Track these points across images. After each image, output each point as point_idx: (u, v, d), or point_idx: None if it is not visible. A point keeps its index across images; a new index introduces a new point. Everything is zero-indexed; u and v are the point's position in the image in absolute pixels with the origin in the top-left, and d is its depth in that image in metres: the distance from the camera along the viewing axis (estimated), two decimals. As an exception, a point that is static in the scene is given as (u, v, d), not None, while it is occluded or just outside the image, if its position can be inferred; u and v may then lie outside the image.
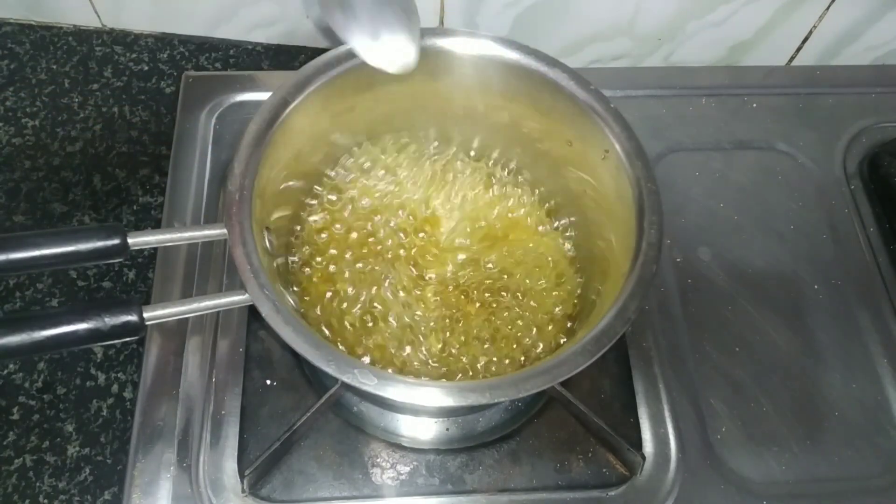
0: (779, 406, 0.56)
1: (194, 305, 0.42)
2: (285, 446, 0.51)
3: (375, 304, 0.54)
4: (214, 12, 0.71)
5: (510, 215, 0.59)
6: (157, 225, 0.62)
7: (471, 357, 0.53)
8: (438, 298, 0.55)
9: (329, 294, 0.54)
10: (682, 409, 0.56)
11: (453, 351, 0.53)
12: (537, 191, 0.59)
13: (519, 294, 0.55)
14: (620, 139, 0.49)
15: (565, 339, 0.54)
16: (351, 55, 0.50)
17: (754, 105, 0.70)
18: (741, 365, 0.58)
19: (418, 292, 0.55)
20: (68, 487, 0.52)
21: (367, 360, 0.52)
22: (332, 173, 0.58)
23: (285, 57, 0.73)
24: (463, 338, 0.54)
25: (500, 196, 0.59)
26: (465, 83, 0.54)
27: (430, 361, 0.53)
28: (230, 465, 0.51)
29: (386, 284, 0.55)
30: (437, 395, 0.40)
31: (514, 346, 0.54)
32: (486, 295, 0.55)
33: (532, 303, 0.55)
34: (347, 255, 0.56)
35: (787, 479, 0.54)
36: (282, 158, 0.50)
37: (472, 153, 0.61)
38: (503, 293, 0.55)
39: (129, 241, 0.42)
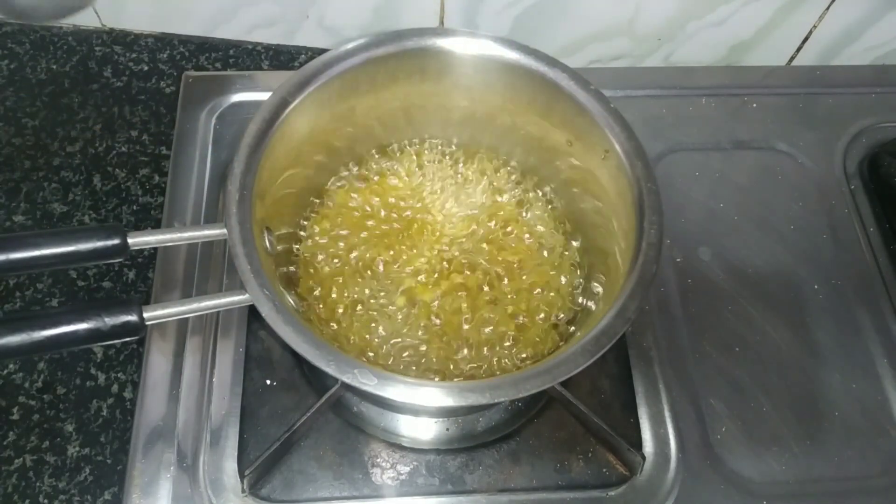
0: (779, 406, 0.56)
1: (194, 305, 0.42)
2: (285, 446, 0.51)
3: (375, 304, 0.54)
4: (214, 12, 0.71)
5: (510, 215, 0.59)
6: (157, 225, 0.62)
7: (470, 357, 0.53)
8: (438, 299, 0.55)
9: (331, 294, 0.54)
10: (682, 409, 0.56)
11: (454, 351, 0.53)
12: (537, 191, 0.59)
13: (519, 294, 0.55)
14: (620, 139, 0.49)
15: (563, 342, 0.54)
16: (351, 55, 0.50)
17: (754, 105, 0.70)
18: (741, 365, 0.58)
19: (419, 293, 0.55)
20: (68, 487, 0.52)
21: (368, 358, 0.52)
22: (333, 174, 0.58)
23: (285, 57, 0.73)
24: (462, 337, 0.54)
25: (500, 196, 0.59)
26: (465, 83, 0.54)
27: (430, 362, 0.53)
28: (230, 465, 0.51)
29: (386, 283, 0.55)
30: (437, 395, 0.40)
31: (514, 346, 0.54)
32: (486, 295, 0.55)
33: (532, 303, 0.55)
34: (347, 257, 0.56)
35: (787, 479, 0.54)
36: (282, 158, 0.50)
37: (472, 153, 0.61)
38: (503, 293, 0.55)
39: (129, 241, 0.42)
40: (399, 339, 0.53)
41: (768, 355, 0.58)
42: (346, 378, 0.40)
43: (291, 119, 0.49)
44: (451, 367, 0.53)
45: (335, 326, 0.53)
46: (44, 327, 0.38)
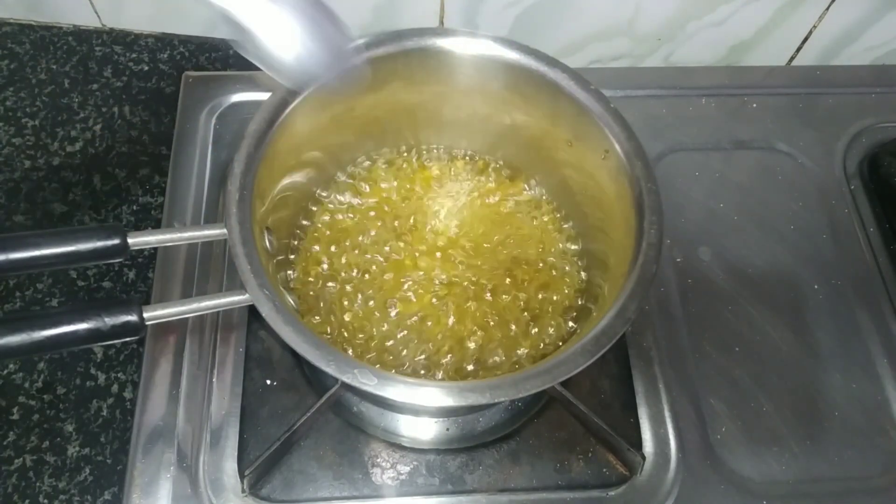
0: (779, 406, 0.56)
1: (194, 305, 0.42)
2: (285, 446, 0.51)
3: (375, 304, 0.54)
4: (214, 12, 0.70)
5: (510, 215, 0.59)
6: (157, 225, 0.62)
7: (470, 357, 0.53)
8: (438, 299, 0.55)
9: (330, 294, 0.54)
10: (682, 409, 0.56)
11: (452, 353, 0.53)
12: (537, 191, 0.59)
13: (519, 295, 0.55)
14: (620, 139, 0.49)
15: (562, 342, 0.54)
16: (351, 55, 0.50)
17: (754, 105, 0.70)
18: (741, 365, 0.58)
19: (419, 293, 0.55)
20: (68, 487, 0.52)
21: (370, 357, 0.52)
22: (333, 174, 0.58)
23: (285, 57, 0.73)
24: (462, 337, 0.54)
25: (500, 196, 0.59)
26: (465, 83, 0.54)
27: (429, 363, 0.53)
28: (230, 465, 0.51)
29: (386, 281, 0.55)
30: (437, 395, 0.40)
31: (514, 346, 0.54)
32: (487, 295, 0.55)
33: (532, 304, 0.55)
34: (346, 258, 0.56)
35: (787, 479, 0.54)
36: (282, 158, 0.50)
37: (472, 153, 0.61)
38: (503, 294, 0.55)
39: (129, 241, 0.42)
40: (393, 342, 0.53)
41: (768, 355, 0.58)
42: (346, 378, 0.40)
43: (291, 119, 0.49)
44: (451, 370, 0.53)
45: (333, 327, 0.53)
46: (44, 327, 0.38)
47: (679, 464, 0.53)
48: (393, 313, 0.54)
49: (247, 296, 0.42)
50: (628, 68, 0.75)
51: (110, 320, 0.39)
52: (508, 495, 0.52)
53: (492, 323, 0.54)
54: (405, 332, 0.53)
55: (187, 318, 0.56)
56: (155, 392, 0.54)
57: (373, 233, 0.57)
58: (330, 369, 0.40)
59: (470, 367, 0.53)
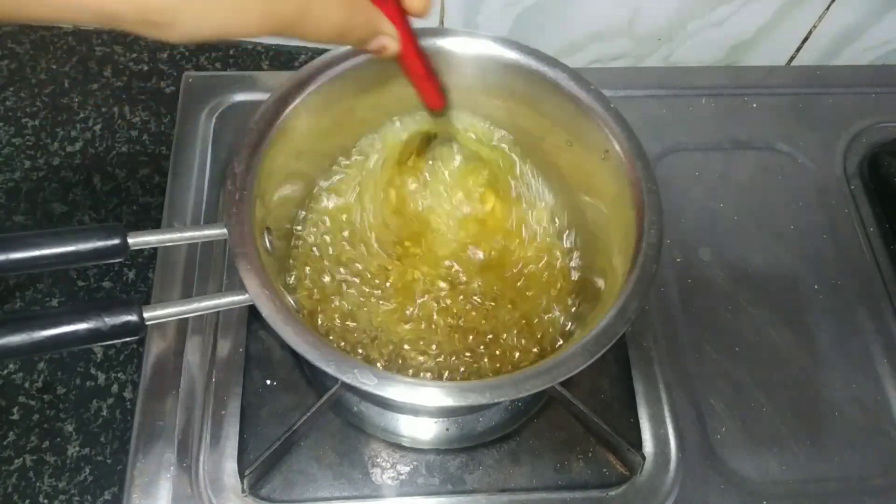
0: (779, 406, 0.56)
1: (194, 305, 0.42)
2: (285, 446, 0.51)
3: (375, 304, 0.54)
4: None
5: (509, 216, 0.59)
6: (157, 225, 0.62)
7: (470, 357, 0.53)
8: (437, 300, 0.55)
9: (330, 294, 0.54)
10: (682, 409, 0.56)
11: (453, 352, 0.53)
12: (536, 191, 0.59)
13: (519, 294, 0.55)
14: (620, 139, 0.49)
15: (562, 342, 0.54)
16: (351, 55, 0.50)
17: (754, 105, 0.70)
18: (741, 365, 0.58)
19: (419, 293, 0.55)
20: (68, 487, 0.52)
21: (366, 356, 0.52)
22: (333, 174, 0.58)
23: (285, 57, 0.73)
24: (462, 338, 0.54)
25: (500, 196, 0.59)
26: (465, 83, 0.54)
27: (429, 362, 0.53)
28: (230, 465, 0.51)
29: (387, 285, 0.55)
30: (437, 395, 0.40)
31: (513, 348, 0.54)
32: (487, 295, 0.55)
33: (531, 304, 0.55)
34: (346, 257, 0.56)
35: (787, 479, 0.54)
36: (282, 158, 0.50)
37: (472, 153, 0.61)
38: (502, 294, 0.55)
39: (129, 241, 0.42)
40: (393, 341, 0.53)
41: (768, 355, 0.58)
42: (346, 378, 0.40)
43: (291, 119, 0.49)
44: (451, 370, 0.53)
45: (330, 325, 0.53)
46: (44, 327, 0.38)
47: (679, 464, 0.53)
48: (393, 313, 0.54)
49: (247, 296, 0.42)
50: (628, 68, 0.75)
51: (110, 320, 0.39)
52: (508, 495, 0.52)
53: (491, 322, 0.54)
54: (405, 332, 0.53)
55: (187, 318, 0.56)
56: (155, 392, 0.54)
57: (373, 233, 0.57)
58: (330, 369, 0.40)
59: (468, 368, 0.53)
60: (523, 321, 0.54)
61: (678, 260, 0.62)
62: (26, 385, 0.56)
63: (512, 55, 0.51)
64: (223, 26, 0.31)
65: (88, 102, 0.69)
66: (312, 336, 0.41)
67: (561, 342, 0.54)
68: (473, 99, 0.55)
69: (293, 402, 0.54)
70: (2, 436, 0.54)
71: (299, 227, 0.57)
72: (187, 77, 0.69)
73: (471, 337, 0.54)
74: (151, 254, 0.61)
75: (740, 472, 0.54)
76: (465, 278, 0.56)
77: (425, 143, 0.58)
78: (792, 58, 0.75)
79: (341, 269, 0.55)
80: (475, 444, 0.54)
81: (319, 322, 0.54)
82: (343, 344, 0.53)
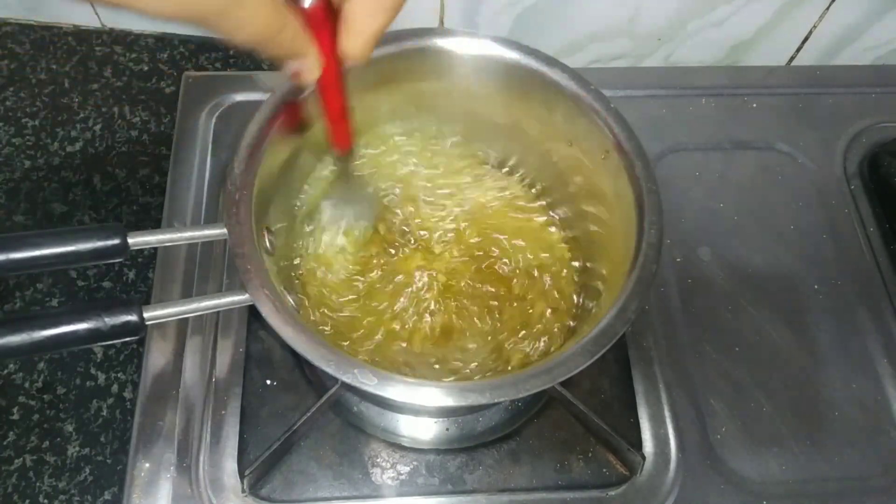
0: (779, 406, 0.56)
1: (194, 305, 0.42)
2: (285, 446, 0.51)
3: (375, 304, 0.54)
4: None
5: (510, 215, 0.59)
6: (157, 225, 0.62)
7: (470, 358, 0.53)
8: (438, 300, 0.55)
9: (330, 294, 0.54)
10: (682, 409, 0.56)
11: (452, 353, 0.53)
12: (536, 190, 0.59)
13: (518, 295, 0.55)
14: (620, 139, 0.49)
15: (562, 343, 0.54)
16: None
17: (754, 105, 0.70)
18: (741, 365, 0.58)
19: (419, 294, 0.55)
20: (68, 487, 0.52)
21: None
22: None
23: (285, 57, 0.73)
24: (462, 339, 0.54)
25: (500, 196, 0.59)
26: (464, 83, 0.54)
27: (429, 362, 0.53)
28: (230, 465, 0.51)
29: (386, 281, 0.55)
30: (437, 395, 0.40)
31: (513, 348, 0.54)
32: (488, 296, 0.55)
33: (531, 304, 0.55)
34: (347, 257, 0.56)
35: (787, 479, 0.54)
36: (282, 158, 0.50)
37: (472, 153, 0.61)
38: (502, 294, 0.55)
39: (129, 241, 0.42)
40: (393, 342, 0.53)
41: (768, 355, 0.58)
42: (346, 378, 0.40)
43: (291, 119, 0.49)
44: (452, 369, 0.53)
45: (332, 327, 0.53)
46: (44, 327, 0.38)
47: (679, 464, 0.53)
48: (393, 312, 0.54)
49: (247, 296, 0.42)
50: (628, 68, 0.75)
51: (110, 320, 0.39)
52: (508, 495, 0.52)
53: (491, 323, 0.54)
54: (405, 332, 0.53)
55: (187, 318, 0.56)
56: (155, 392, 0.54)
57: (372, 233, 0.57)
58: (330, 369, 0.40)
59: (469, 368, 0.53)
60: (521, 319, 0.54)
61: (678, 260, 0.62)
62: (26, 385, 0.56)
63: (512, 55, 0.51)
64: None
65: (88, 102, 0.69)
66: (312, 336, 0.41)
67: (562, 343, 0.54)
68: (473, 99, 0.55)
69: (293, 402, 0.54)
70: (2, 436, 0.54)
71: (299, 229, 0.57)
72: (187, 77, 0.69)
73: (470, 336, 0.54)
74: (151, 254, 0.61)
75: (740, 472, 0.54)
76: (463, 276, 0.56)
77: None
78: (792, 58, 0.75)
79: (342, 269, 0.55)
80: (475, 444, 0.54)
81: (320, 322, 0.54)
82: (346, 344, 0.53)
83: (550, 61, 0.51)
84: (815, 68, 0.74)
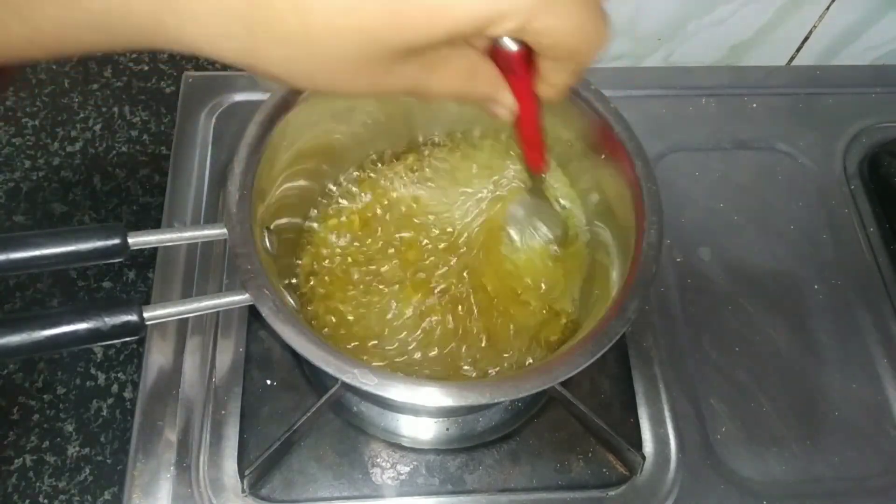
0: (779, 406, 0.56)
1: (194, 305, 0.42)
2: (285, 446, 0.51)
3: (375, 304, 0.54)
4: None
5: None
6: (157, 225, 0.62)
7: (470, 358, 0.53)
8: (439, 301, 0.55)
9: (330, 293, 0.54)
10: (682, 409, 0.56)
11: (453, 354, 0.53)
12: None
13: (519, 294, 0.55)
14: (620, 139, 0.49)
15: (561, 341, 0.54)
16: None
17: (754, 105, 0.70)
18: (741, 365, 0.58)
19: (419, 294, 0.55)
20: (68, 487, 0.52)
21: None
22: (333, 173, 0.58)
23: (285, 57, 0.73)
24: (462, 338, 0.54)
25: (500, 197, 0.59)
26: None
27: (430, 363, 0.53)
28: (230, 465, 0.51)
29: (386, 281, 0.55)
30: (437, 395, 0.40)
31: (514, 348, 0.53)
32: (488, 297, 0.55)
33: (531, 304, 0.55)
34: (347, 257, 0.56)
35: (787, 479, 0.54)
36: (282, 158, 0.50)
37: (472, 153, 0.61)
38: (503, 293, 0.55)
39: (129, 240, 0.42)
40: (394, 342, 0.53)
41: (768, 355, 0.58)
42: (346, 378, 0.40)
43: (291, 119, 0.49)
44: (453, 371, 0.53)
45: (332, 327, 0.53)
46: (44, 327, 0.38)
47: (679, 464, 0.53)
48: (394, 313, 0.54)
49: (247, 296, 0.42)
50: (628, 68, 0.75)
51: (110, 320, 0.39)
52: (508, 495, 0.52)
53: (491, 322, 0.54)
54: (406, 332, 0.53)
55: (187, 318, 0.56)
56: (155, 392, 0.54)
57: (372, 233, 0.57)
58: (330, 369, 0.40)
59: (468, 368, 0.53)
60: (521, 321, 0.54)
61: (678, 260, 0.62)
62: (26, 385, 0.56)
63: (512, 55, 0.51)
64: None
65: (88, 102, 0.69)
66: (312, 336, 0.41)
67: (562, 343, 0.54)
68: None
69: (293, 402, 0.54)
70: (2, 436, 0.54)
71: (300, 229, 0.57)
72: (187, 77, 0.68)
73: (470, 337, 0.54)
74: (151, 254, 0.61)
75: (740, 472, 0.54)
76: (464, 277, 0.56)
77: None
78: (792, 58, 0.75)
79: (343, 269, 0.55)
80: (475, 444, 0.54)
81: (319, 322, 0.54)
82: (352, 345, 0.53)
83: (550, 61, 0.51)
84: (815, 68, 0.74)
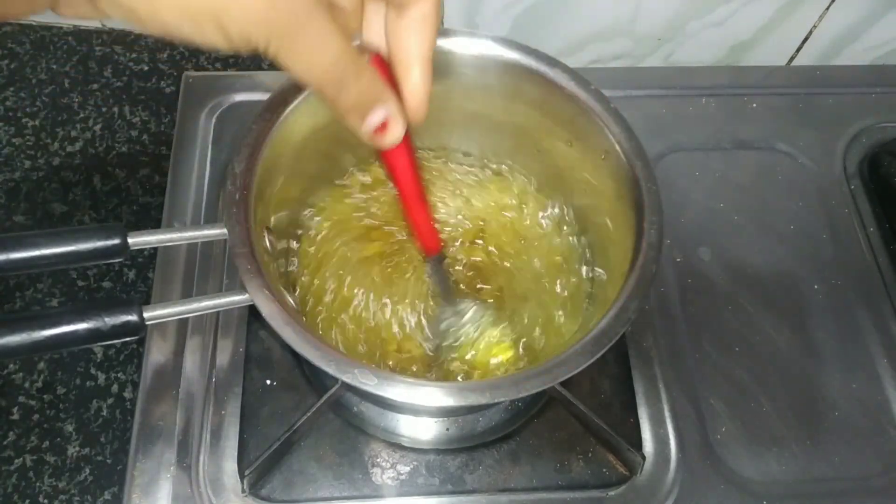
0: (779, 406, 0.56)
1: (194, 305, 0.42)
2: (285, 446, 0.51)
3: (376, 304, 0.54)
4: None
5: (509, 215, 0.59)
6: (157, 225, 0.62)
7: (469, 358, 0.53)
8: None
9: (331, 293, 0.54)
10: (682, 409, 0.56)
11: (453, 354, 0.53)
12: (536, 191, 0.59)
13: (520, 295, 0.55)
14: (620, 139, 0.49)
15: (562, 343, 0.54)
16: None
17: (754, 105, 0.70)
18: (741, 365, 0.58)
19: (420, 294, 0.55)
20: (68, 487, 0.52)
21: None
22: (334, 173, 0.58)
23: (285, 57, 0.73)
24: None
25: (500, 196, 0.59)
26: (464, 83, 0.54)
27: (430, 364, 0.53)
28: (230, 465, 0.51)
29: (387, 281, 0.55)
30: (437, 395, 0.40)
31: (517, 348, 0.54)
32: (488, 296, 0.55)
33: (532, 304, 0.55)
34: (348, 258, 0.56)
35: (787, 479, 0.54)
36: (282, 158, 0.50)
37: (472, 153, 0.61)
38: (502, 294, 0.55)
39: (129, 241, 0.42)
40: (394, 342, 0.53)
41: (768, 355, 0.58)
42: (346, 378, 0.40)
43: (291, 119, 0.49)
44: (451, 371, 0.53)
45: (331, 327, 0.53)
46: (44, 327, 0.38)
47: (679, 464, 0.53)
48: (393, 313, 0.54)
49: (247, 296, 0.42)
50: (628, 68, 0.75)
51: (110, 320, 0.39)
52: (508, 495, 0.52)
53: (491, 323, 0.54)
54: (406, 333, 0.53)
55: (187, 318, 0.56)
56: (155, 392, 0.54)
57: (372, 233, 0.57)
58: (330, 369, 0.40)
59: (468, 368, 0.53)
60: (524, 321, 0.54)
61: (678, 260, 0.62)
62: (26, 385, 0.56)
63: (512, 55, 0.51)
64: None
65: (88, 102, 0.69)
66: (312, 336, 0.41)
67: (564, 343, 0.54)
68: (472, 100, 0.55)
69: (293, 402, 0.54)
70: (2, 436, 0.54)
71: (300, 229, 0.57)
72: (187, 77, 0.68)
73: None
74: (151, 254, 0.61)
75: (740, 472, 0.54)
76: (465, 278, 0.56)
77: None
78: (792, 58, 0.75)
79: (343, 269, 0.55)
80: (475, 444, 0.54)
81: (319, 322, 0.54)
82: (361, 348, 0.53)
83: (550, 61, 0.51)
84: (815, 68, 0.74)
